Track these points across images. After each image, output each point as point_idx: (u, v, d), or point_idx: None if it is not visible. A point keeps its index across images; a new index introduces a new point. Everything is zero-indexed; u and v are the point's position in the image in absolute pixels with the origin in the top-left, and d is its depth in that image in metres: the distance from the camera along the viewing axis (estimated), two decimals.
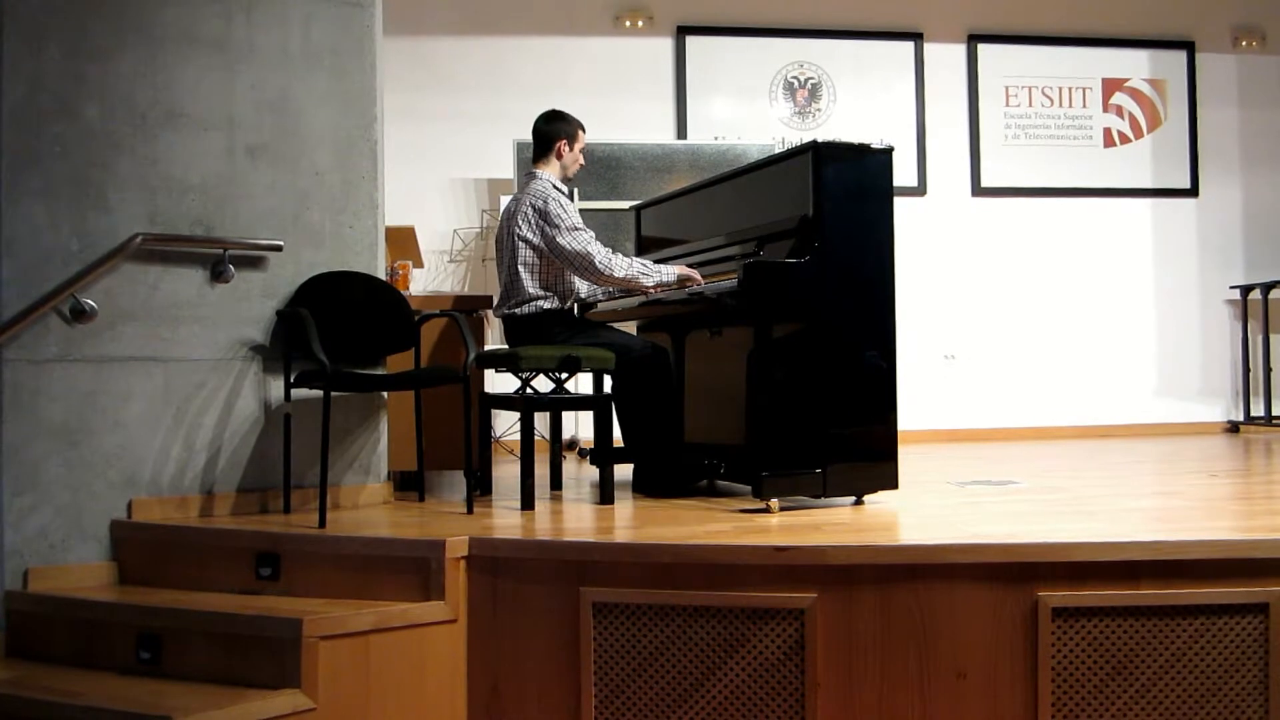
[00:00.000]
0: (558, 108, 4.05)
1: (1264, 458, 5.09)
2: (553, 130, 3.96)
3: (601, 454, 3.64)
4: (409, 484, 4.04)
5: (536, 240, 3.79)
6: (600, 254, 3.72)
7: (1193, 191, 6.93)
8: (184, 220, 3.39)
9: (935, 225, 6.66)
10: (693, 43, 6.58)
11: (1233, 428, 6.79)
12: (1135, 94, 6.91)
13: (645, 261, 3.83)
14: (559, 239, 3.73)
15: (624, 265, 3.74)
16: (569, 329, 3.86)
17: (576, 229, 3.75)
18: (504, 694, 2.82)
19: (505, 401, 3.74)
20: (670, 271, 3.78)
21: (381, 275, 3.72)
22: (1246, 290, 6.74)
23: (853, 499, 3.42)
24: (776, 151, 4.57)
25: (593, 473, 4.53)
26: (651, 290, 3.83)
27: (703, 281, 3.72)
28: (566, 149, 3.96)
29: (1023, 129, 6.83)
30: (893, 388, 3.39)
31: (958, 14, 6.78)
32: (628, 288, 3.87)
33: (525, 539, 2.95)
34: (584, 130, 4.02)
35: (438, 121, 6.30)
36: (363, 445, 3.64)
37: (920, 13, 6.76)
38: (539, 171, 3.94)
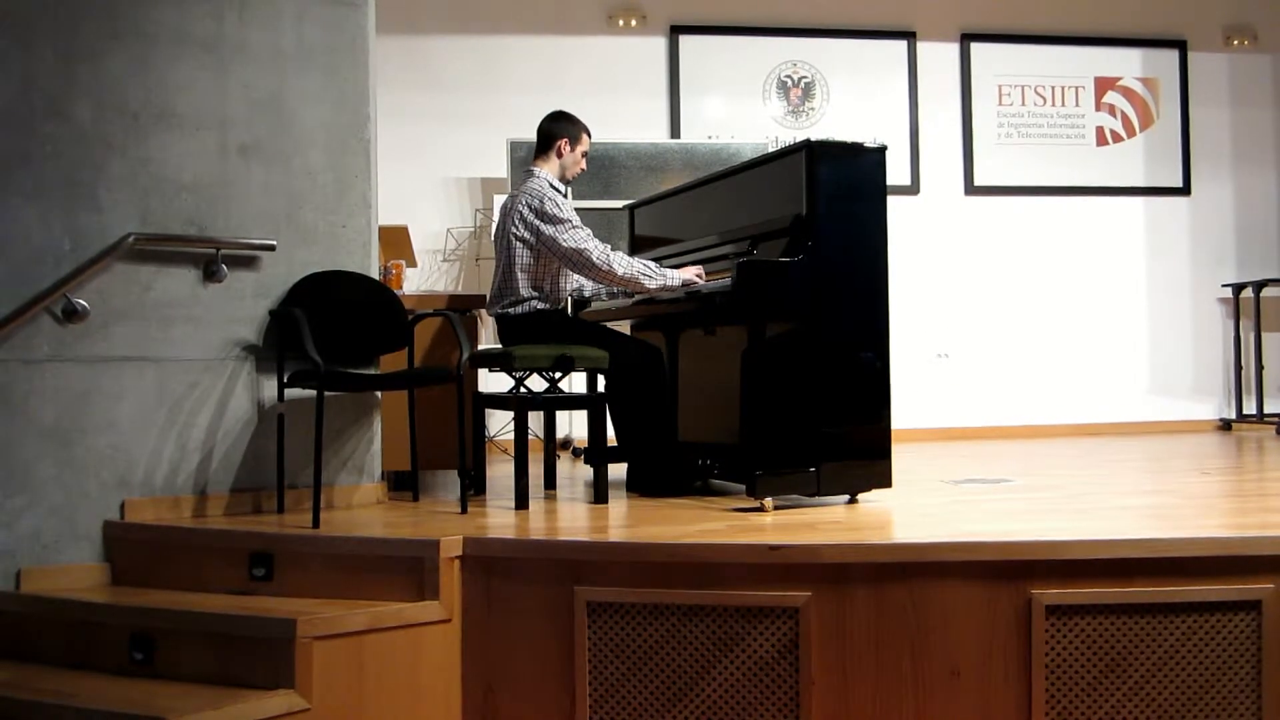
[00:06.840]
0: (564, 109, 4.05)
1: (1256, 455, 5.11)
2: (556, 129, 3.95)
3: (595, 453, 3.64)
4: (403, 484, 4.03)
5: (532, 239, 3.78)
6: (597, 250, 3.69)
7: (1185, 190, 6.95)
8: (176, 220, 3.38)
9: (928, 224, 6.67)
10: (686, 42, 6.58)
11: (1225, 425, 6.81)
12: (1128, 93, 6.92)
13: (649, 263, 3.77)
14: (556, 236, 3.72)
15: (624, 264, 3.70)
16: (562, 329, 3.85)
17: (574, 226, 3.74)
18: (498, 694, 2.82)
19: (499, 401, 3.74)
20: (675, 275, 3.72)
21: (375, 275, 3.71)
22: (1238, 288, 6.76)
23: (847, 497, 3.43)
24: (770, 150, 4.57)
25: (586, 472, 4.53)
26: (652, 291, 3.78)
27: (705, 278, 3.70)
28: (567, 148, 3.95)
29: (1015, 128, 6.84)
30: (886, 386, 3.39)
31: (951, 13, 6.79)
32: (628, 287, 3.84)
33: (519, 539, 2.95)
34: (589, 135, 4.01)
35: (431, 120, 6.29)
36: (356, 445, 3.64)
37: (913, 12, 6.77)
38: (536, 169, 3.93)
